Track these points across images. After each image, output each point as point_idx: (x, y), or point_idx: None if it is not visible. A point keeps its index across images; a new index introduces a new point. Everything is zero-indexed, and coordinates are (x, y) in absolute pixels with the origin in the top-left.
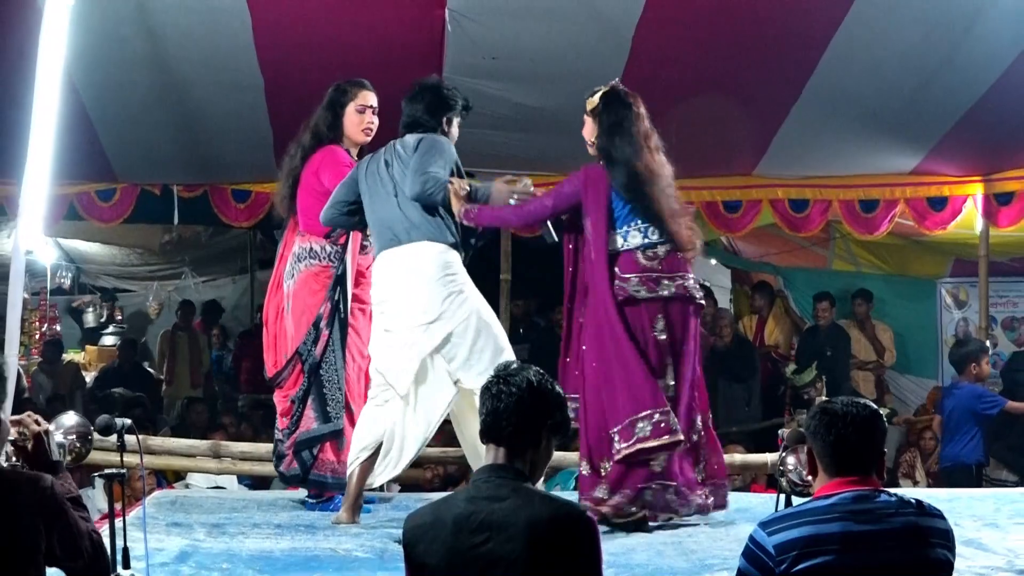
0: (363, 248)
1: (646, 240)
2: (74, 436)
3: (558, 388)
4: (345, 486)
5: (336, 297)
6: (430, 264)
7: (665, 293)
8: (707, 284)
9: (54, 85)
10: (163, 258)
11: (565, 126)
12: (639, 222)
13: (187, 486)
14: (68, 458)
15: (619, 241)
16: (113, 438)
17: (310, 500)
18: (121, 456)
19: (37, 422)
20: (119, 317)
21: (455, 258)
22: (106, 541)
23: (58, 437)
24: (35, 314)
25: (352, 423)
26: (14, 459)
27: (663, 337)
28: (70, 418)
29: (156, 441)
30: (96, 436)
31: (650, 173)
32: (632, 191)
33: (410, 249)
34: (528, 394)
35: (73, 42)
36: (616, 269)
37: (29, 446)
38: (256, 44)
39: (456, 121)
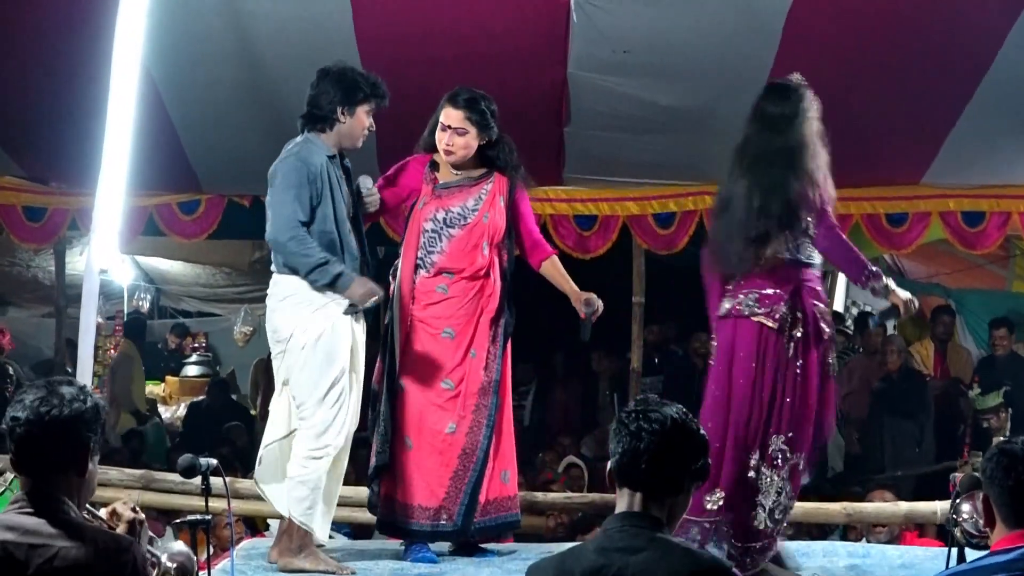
0: (417, 268)
1: None
2: (175, 564)
3: (702, 429)
4: (425, 534)
5: (386, 322)
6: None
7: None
8: (867, 309)
9: (131, 84)
10: (253, 278)
11: (706, 128)
12: None
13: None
14: None
15: None
16: (197, 480)
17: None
18: (206, 500)
19: (133, 509)
20: (203, 343)
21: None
22: None
23: (163, 558)
24: (110, 341)
25: (403, 458)
26: None
27: None
28: (179, 546)
29: (245, 484)
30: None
31: None
32: None
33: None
34: (672, 433)
35: (153, 36)
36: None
37: (120, 530)
38: (357, 38)
39: (363, 110)
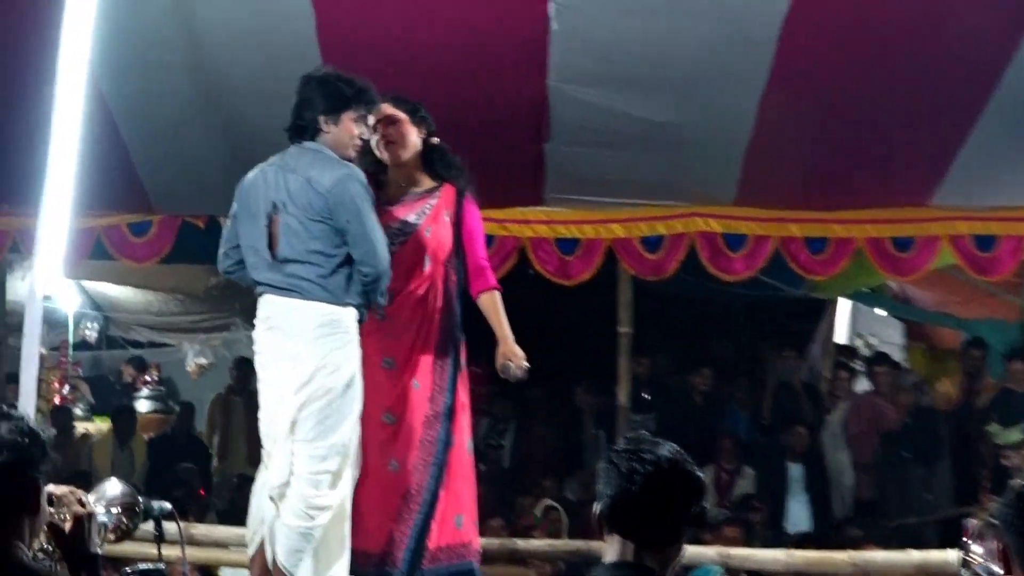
0: None
1: None
2: (118, 510)
3: (699, 471)
4: None
5: None
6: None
7: None
8: (873, 341)
9: (78, 97)
10: (208, 305)
11: (698, 145)
12: None
13: None
14: (111, 537)
15: None
16: (149, 525)
17: None
18: (159, 547)
19: (81, 502)
20: (155, 376)
21: None
22: None
23: (99, 512)
24: (54, 373)
25: None
26: (46, 544)
27: None
28: (114, 487)
29: (201, 529)
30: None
31: None
32: None
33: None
34: (668, 475)
35: (101, 46)
36: None
37: (67, 528)
38: (320, 46)
39: (349, 117)
